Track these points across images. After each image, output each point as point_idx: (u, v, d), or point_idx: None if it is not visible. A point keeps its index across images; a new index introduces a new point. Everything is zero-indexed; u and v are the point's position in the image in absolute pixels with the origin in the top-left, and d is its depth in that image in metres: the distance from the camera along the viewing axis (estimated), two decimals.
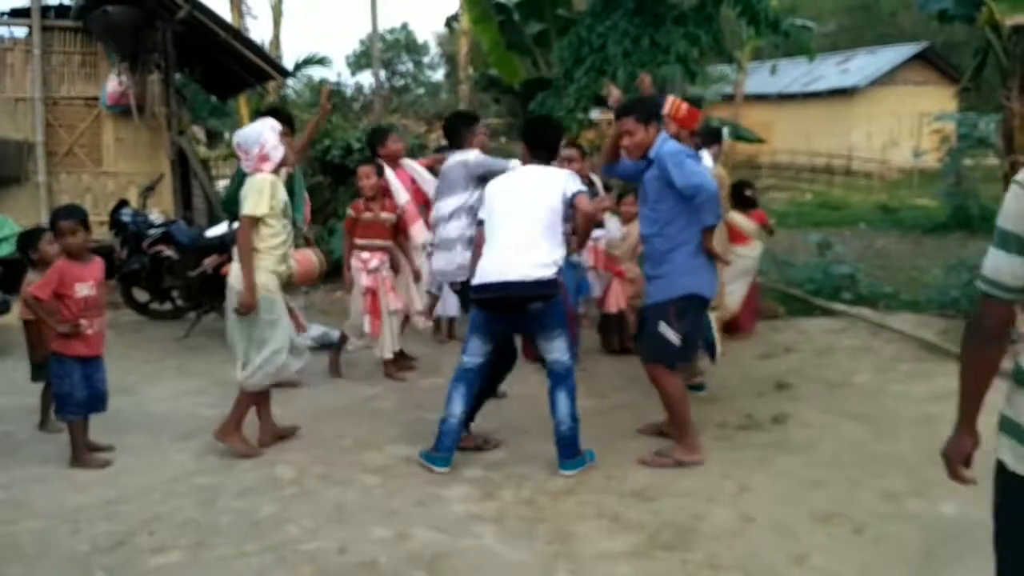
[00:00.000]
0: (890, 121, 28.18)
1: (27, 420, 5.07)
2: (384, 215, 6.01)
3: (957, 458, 2.22)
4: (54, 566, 3.46)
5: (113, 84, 9.02)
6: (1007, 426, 2.10)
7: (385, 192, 6.08)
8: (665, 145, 4.46)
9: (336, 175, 9.82)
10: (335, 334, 6.54)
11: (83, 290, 4.44)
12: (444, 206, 5.21)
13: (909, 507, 3.97)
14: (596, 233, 6.79)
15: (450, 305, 6.92)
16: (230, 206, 6.07)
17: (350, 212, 6.12)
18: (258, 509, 3.99)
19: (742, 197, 7.03)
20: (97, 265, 4.59)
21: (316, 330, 6.83)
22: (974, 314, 2.16)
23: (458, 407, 4.43)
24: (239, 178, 5.13)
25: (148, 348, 6.90)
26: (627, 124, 4.51)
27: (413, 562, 3.50)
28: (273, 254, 4.58)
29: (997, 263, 2.04)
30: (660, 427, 4.86)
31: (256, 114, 6.06)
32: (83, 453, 4.49)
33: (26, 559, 3.51)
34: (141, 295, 7.86)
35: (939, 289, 8.10)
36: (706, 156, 5.39)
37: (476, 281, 4.37)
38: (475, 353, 4.47)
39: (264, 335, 4.56)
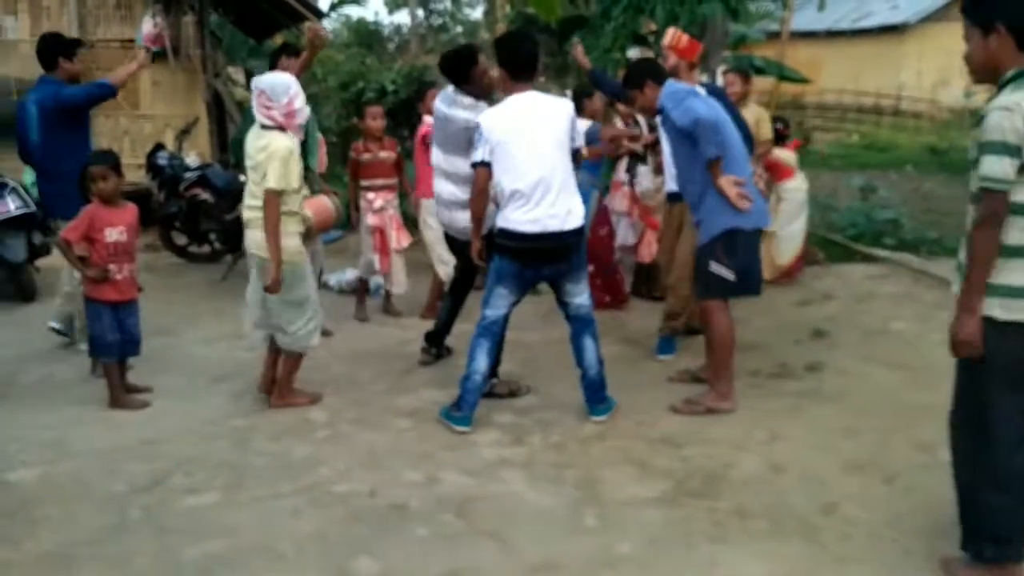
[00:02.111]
0: (941, 59, 27.14)
1: (67, 362, 5.19)
2: (383, 154, 6.13)
3: (976, 338, 2.78)
4: (91, 506, 3.55)
5: (148, 26, 8.99)
6: (995, 291, 2.76)
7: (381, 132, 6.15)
8: (665, 90, 4.47)
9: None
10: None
11: (113, 235, 4.48)
12: (461, 165, 4.59)
13: (942, 457, 3.85)
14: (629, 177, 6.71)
15: None
16: (237, 149, 5.83)
17: (351, 154, 6.24)
18: (291, 451, 4.06)
19: (775, 133, 6.93)
20: (130, 211, 4.61)
21: (351, 273, 6.88)
22: (986, 212, 2.75)
23: (482, 363, 4.31)
24: (247, 120, 4.92)
25: (186, 291, 7.00)
26: (633, 93, 4.65)
27: (442, 506, 3.54)
28: (294, 217, 4.38)
29: (1001, 166, 2.70)
30: (695, 373, 4.84)
31: (273, 55, 5.88)
32: (120, 394, 4.58)
33: (64, 499, 3.61)
34: (179, 238, 7.95)
35: None
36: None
37: (523, 230, 4.14)
38: (499, 306, 4.32)
39: (299, 297, 4.41)
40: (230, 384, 4.89)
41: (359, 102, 9.74)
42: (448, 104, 4.64)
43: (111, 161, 4.52)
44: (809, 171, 7.98)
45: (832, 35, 29.90)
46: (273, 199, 4.19)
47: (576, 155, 4.31)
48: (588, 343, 4.37)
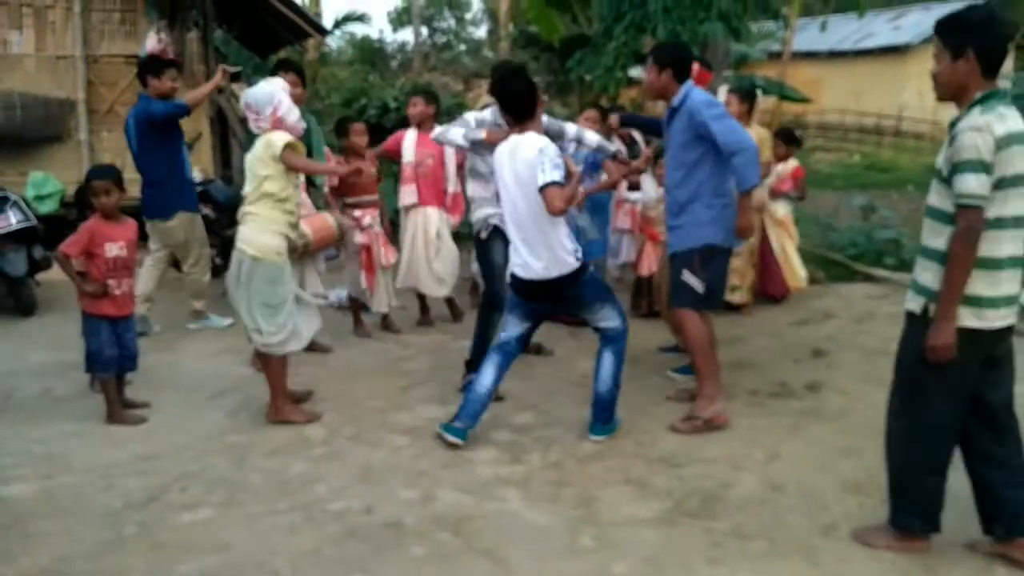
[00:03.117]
0: None
1: (67, 376, 5.17)
2: (369, 171, 6.15)
3: (952, 346, 3.00)
4: (87, 521, 3.53)
5: (152, 41, 9.01)
6: (967, 301, 2.99)
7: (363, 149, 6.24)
8: (694, 94, 4.41)
9: (372, 135, 9.79)
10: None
11: (113, 250, 4.49)
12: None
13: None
14: (632, 196, 6.74)
15: None
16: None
17: None
18: (288, 468, 4.04)
19: (791, 137, 7.12)
20: (129, 227, 4.63)
21: (343, 291, 6.89)
22: (964, 226, 2.93)
23: (488, 378, 4.32)
24: (252, 137, 5.05)
25: (186, 305, 6.98)
26: (647, 66, 4.56)
27: (438, 524, 3.52)
28: (286, 217, 4.46)
29: (978, 182, 2.90)
30: (692, 392, 4.82)
31: (273, 71, 5.97)
32: (117, 409, 4.57)
33: (60, 514, 3.59)
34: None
35: None
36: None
37: (513, 272, 4.28)
38: (510, 329, 4.41)
39: (277, 299, 4.43)
40: (228, 400, 4.88)
41: (362, 119, 9.76)
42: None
43: (113, 175, 4.55)
44: (811, 191, 7.99)
45: (834, 55, 30.00)
46: (291, 152, 4.40)
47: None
48: (605, 358, 4.33)
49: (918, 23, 29.32)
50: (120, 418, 4.55)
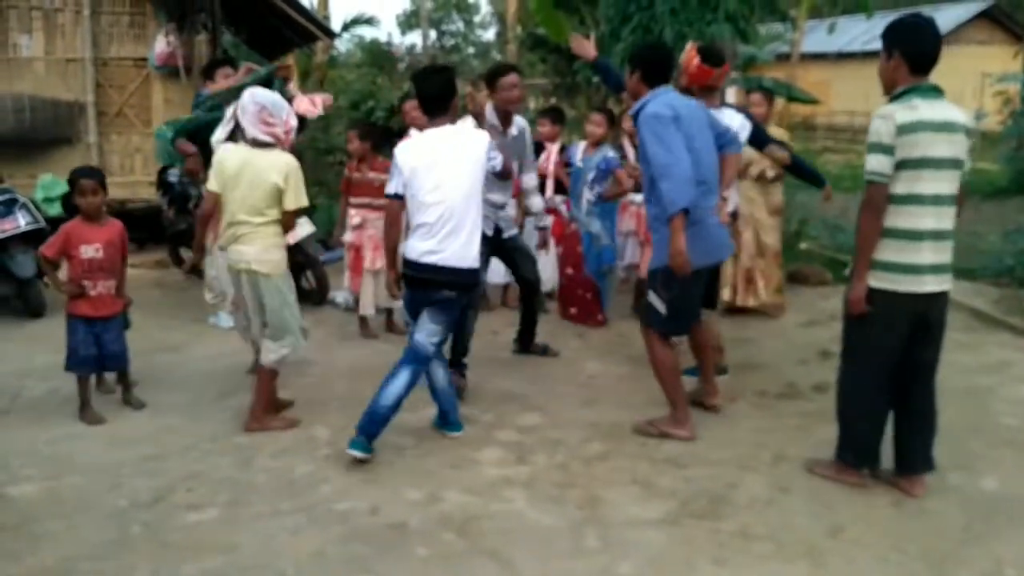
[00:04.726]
0: (952, 82, 26.70)
1: (72, 378, 5.16)
2: (372, 175, 6.15)
3: (862, 300, 3.56)
4: (93, 521, 3.54)
5: (161, 44, 9.05)
6: (877, 265, 3.53)
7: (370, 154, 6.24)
8: (649, 105, 4.15)
9: (380, 137, 9.81)
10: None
11: (88, 252, 4.53)
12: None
13: (950, 480, 3.87)
14: (637, 198, 6.71)
15: (493, 271, 6.90)
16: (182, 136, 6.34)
17: (346, 171, 6.38)
18: (293, 469, 4.05)
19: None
20: (110, 228, 4.65)
21: (349, 293, 6.89)
22: (865, 199, 3.52)
23: (393, 395, 4.14)
24: (203, 119, 4.94)
25: (194, 307, 6.98)
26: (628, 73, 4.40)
27: (443, 524, 3.52)
28: (280, 228, 4.38)
29: (881, 162, 3.44)
30: (695, 394, 4.78)
31: (207, 68, 6.08)
32: (87, 408, 4.64)
33: (66, 514, 3.60)
34: (189, 255, 7.97)
35: (994, 256, 7.85)
36: (730, 114, 5.09)
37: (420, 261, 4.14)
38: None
39: (285, 315, 4.39)
40: (235, 400, 4.88)
41: (368, 121, 9.79)
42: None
43: (99, 176, 4.59)
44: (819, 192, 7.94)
45: (843, 57, 29.93)
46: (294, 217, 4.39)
47: (505, 175, 4.36)
48: (402, 375, 4.20)
49: None
50: (88, 418, 4.60)
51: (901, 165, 3.43)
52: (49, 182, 8.18)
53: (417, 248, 4.11)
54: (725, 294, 6.41)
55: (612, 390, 5.11)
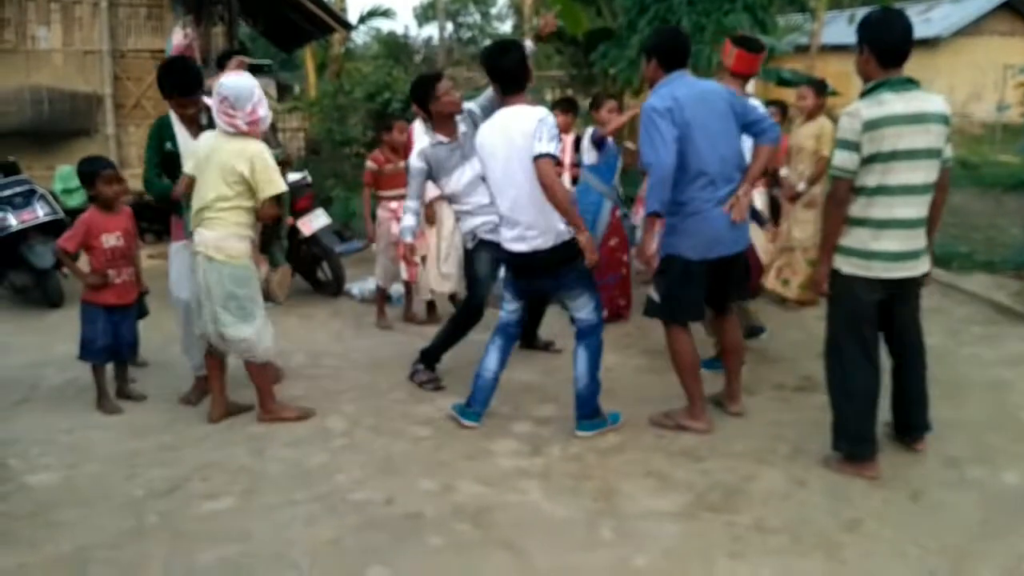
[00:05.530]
0: (973, 73, 26.86)
1: (89, 367, 5.21)
2: (404, 164, 6.02)
3: (824, 282, 3.78)
4: (110, 510, 3.56)
5: (178, 36, 9.08)
6: (844, 251, 3.68)
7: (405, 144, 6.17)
8: (655, 93, 4.08)
9: None
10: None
11: (110, 240, 4.57)
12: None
13: (970, 474, 3.83)
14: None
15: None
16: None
17: (371, 165, 6.32)
18: (308, 459, 4.05)
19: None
20: (124, 215, 4.68)
21: (372, 282, 6.90)
22: (830, 192, 3.69)
23: (492, 361, 4.42)
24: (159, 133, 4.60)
25: None
26: None
27: (458, 515, 3.51)
28: (251, 221, 4.30)
29: (845, 158, 3.56)
30: (714, 397, 4.67)
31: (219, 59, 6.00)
32: (104, 397, 4.68)
33: (83, 502, 3.62)
34: None
35: (1016, 249, 7.76)
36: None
37: (508, 248, 4.24)
38: (508, 309, 4.44)
39: (247, 300, 4.30)
40: (249, 391, 4.87)
41: (385, 113, 9.78)
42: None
43: (113, 165, 4.70)
44: None
45: None
46: (275, 206, 4.28)
47: (557, 162, 4.06)
48: (580, 355, 4.27)
49: (948, 16, 28.90)
50: (102, 406, 4.63)
51: (872, 159, 3.52)
52: (67, 173, 8.23)
53: (503, 237, 4.27)
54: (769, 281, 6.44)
55: (629, 382, 5.09)
